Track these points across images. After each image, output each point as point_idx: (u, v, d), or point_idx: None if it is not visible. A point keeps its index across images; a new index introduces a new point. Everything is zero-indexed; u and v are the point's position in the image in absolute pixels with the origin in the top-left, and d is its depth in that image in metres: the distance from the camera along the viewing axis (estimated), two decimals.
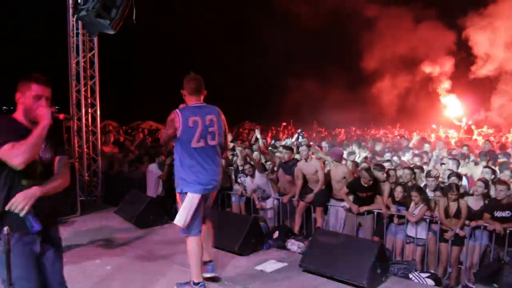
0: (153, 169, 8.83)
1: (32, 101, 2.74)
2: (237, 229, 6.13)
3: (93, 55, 9.46)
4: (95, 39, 9.40)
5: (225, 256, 5.89)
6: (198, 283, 4.44)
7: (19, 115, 2.80)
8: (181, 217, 4.32)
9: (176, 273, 5.26)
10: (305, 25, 19.77)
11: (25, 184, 2.66)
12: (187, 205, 4.32)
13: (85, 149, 9.46)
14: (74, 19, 8.88)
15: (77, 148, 9.36)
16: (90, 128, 9.59)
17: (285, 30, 20.51)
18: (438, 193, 6.46)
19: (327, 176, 7.55)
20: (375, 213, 6.80)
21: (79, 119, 9.33)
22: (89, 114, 9.55)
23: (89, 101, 9.49)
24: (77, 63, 9.23)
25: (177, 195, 4.49)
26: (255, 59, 21.15)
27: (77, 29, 9.16)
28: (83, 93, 9.31)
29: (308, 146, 7.90)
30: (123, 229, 7.30)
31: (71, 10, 8.92)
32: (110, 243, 6.52)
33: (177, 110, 4.34)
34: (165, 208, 8.04)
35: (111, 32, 8.46)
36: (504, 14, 17.68)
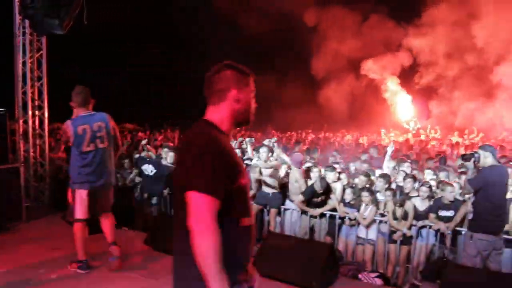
0: None
1: None
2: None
3: (41, 55, 9.12)
4: (43, 39, 9.06)
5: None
6: (82, 261, 5.31)
7: None
8: (73, 210, 5.17)
9: (124, 281, 5.13)
10: (252, 28, 19.81)
11: None
12: (78, 199, 5.09)
13: (32, 153, 9.10)
14: (21, 17, 8.55)
15: (23, 152, 8.98)
16: (37, 132, 9.23)
17: (232, 32, 20.47)
18: (388, 192, 6.63)
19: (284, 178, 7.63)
20: (328, 215, 6.90)
21: (26, 122, 8.96)
22: (36, 117, 9.18)
23: (36, 103, 9.13)
24: (24, 63, 8.87)
25: (69, 191, 5.20)
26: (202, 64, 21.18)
27: (23, 28, 8.79)
28: (29, 95, 8.94)
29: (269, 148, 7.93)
30: (70, 235, 7.02)
31: (17, 8, 8.58)
32: (56, 251, 6.25)
33: (68, 121, 5.05)
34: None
35: (60, 32, 8.20)
36: (443, 22, 18.31)
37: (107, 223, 5.37)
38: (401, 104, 19.71)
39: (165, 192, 8.33)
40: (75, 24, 8.29)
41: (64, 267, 5.46)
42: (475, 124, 16.33)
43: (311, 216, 7.02)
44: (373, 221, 6.57)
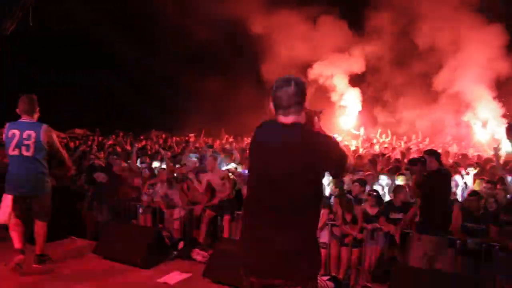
0: None
1: None
2: (140, 241, 5.92)
3: None
4: None
5: (128, 270, 5.66)
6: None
7: None
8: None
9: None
10: (201, 35, 19.70)
11: None
12: (3, 203, 5.19)
13: None
14: None
15: None
16: None
17: (181, 38, 20.31)
18: (336, 199, 6.75)
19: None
20: None
21: None
22: None
23: None
24: None
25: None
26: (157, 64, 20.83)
27: None
28: None
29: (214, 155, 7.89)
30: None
31: None
32: None
33: (8, 123, 5.19)
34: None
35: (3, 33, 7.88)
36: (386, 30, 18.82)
37: (36, 232, 5.36)
38: (350, 110, 19.95)
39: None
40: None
41: None
42: (419, 130, 16.86)
43: None
44: (325, 224, 6.65)
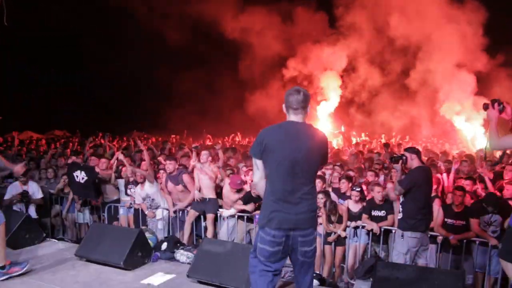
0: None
1: None
2: (122, 242, 5.84)
3: None
4: None
5: (111, 272, 5.59)
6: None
7: None
8: None
9: None
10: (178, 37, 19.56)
11: None
12: None
13: None
14: None
15: None
16: None
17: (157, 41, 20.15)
18: (320, 195, 6.77)
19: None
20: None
21: None
22: None
23: None
24: None
25: None
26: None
27: None
28: None
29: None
30: None
31: None
32: None
33: None
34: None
35: None
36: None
37: None
38: (328, 110, 19.86)
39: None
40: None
41: None
42: (395, 129, 16.98)
43: (248, 221, 7.03)
44: None
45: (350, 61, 19.02)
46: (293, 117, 3.48)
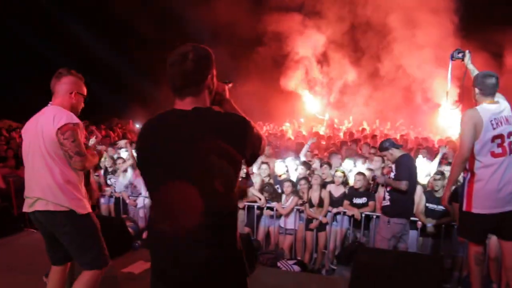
0: None
1: None
2: (102, 232, 5.77)
3: None
4: None
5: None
6: None
7: None
8: None
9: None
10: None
11: None
12: None
13: None
14: None
15: None
16: None
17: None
18: (303, 181, 6.79)
19: None
20: (246, 205, 6.91)
21: None
22: None
23: None
24: None
25: None
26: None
27: None
28: None
29: None
30: None
31: None
32: None
33: None
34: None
35: None
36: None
37: None
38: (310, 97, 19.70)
39: None
40: None
41: None
42: (369, 116, 16.98)
43: None
44: (292, 209, 6.69)
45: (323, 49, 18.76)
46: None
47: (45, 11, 19.64)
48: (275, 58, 18.73)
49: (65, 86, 3.38)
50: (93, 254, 3.38)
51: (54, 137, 3.21)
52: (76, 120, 3.29)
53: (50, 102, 3.56)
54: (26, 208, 3.40)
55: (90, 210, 3.43)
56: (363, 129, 14.53)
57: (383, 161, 7.19)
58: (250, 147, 2.11)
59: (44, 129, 3.25)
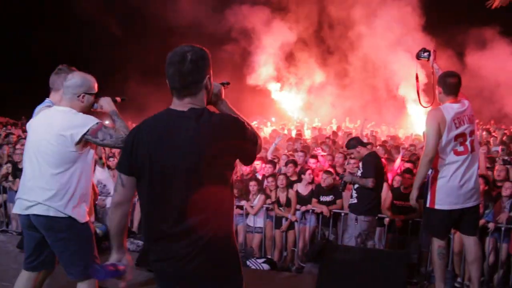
0: None
1: None
2: None
3: None
4: None
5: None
6: None
7: None
8: None
9: None
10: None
11: None
12: None
13: None
14: None
15: None
16: None
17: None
18: (270, 179, 6.80)
19: None
20: None
21: None
22: None
23: None
24: None
25: None
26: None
27: None
28: None
29: None
30: None
31: None
32: None
33: None
34: None
35: None
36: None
37: None
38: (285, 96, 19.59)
39: None
40: None
41: None
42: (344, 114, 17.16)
43: None
44: (261, 208, 6.69)
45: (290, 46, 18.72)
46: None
47: None
48: (243, 55, 18.57)
49: (71, 90, 3.19)
50: (85, 263, 3.21)
51: (71, 145, 3.08)
52: (94, 119, 3.14)
53: (49, 99, 3.43)
54: (17, 210, 3.22)
55: (88, 218, 3.30)
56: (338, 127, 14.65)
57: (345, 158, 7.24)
58: (246, 146, 2.17)
59: (60, 133, 3.08)
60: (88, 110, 3.27)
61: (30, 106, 3.69)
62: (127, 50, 19.73)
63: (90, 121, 3.10)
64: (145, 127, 2.19)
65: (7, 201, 8.31)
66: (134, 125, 2.40)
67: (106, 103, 3.30)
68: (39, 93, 3.91)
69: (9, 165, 8.15)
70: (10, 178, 8.22)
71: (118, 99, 3.43)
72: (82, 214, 3.21)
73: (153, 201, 2.14)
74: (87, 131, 3.06)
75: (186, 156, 2.05)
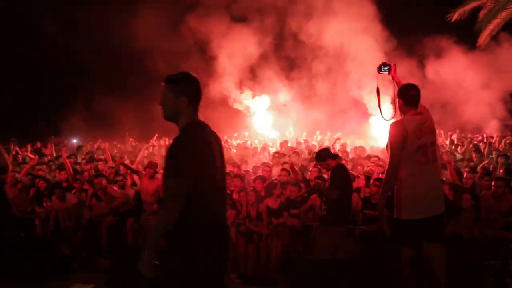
0: None
1: None
2: (35, 254, 5.53)
3: None
4: None
5: (28, 285, 5.29)
6: None
7: None
8: None
9: None
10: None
11: None
12: None
13: None
14: None
15: None
16: None
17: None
18: (242, 193, 6.82)
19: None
20: None
21: None
22: None
23: None
24: None
25: None
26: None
27: None
28: None
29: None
30: None
31: None
32: None
33: None
34: None
35: None
36: None
37: None
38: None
39: None
40: None
41: None
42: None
43: None
44: (233, 223, 6.67)
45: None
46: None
47: None
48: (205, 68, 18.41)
49: None
50: None
51: None
52: None
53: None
54: None
55: None
56: (305, 140, 14.69)
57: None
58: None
59: None
60: None
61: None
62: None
63: None
64: (204, 138, 2.77)
65: None
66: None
67: None
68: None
69: None
70: None
71: None
72: None
73: (208, 198, 2.76)
74: None
75: (222, 162, 2.94)
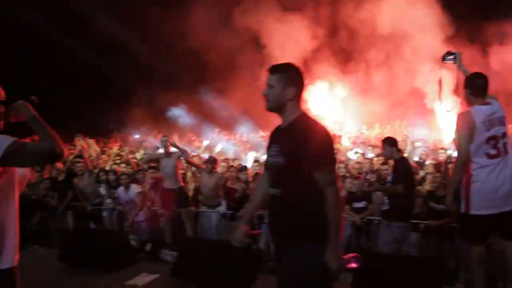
0: None
1: None
2: (105, 246, 5.81)
3: None
4: None
5: (95, 275, 5.56)
6: None
7: None
8: None
9: None
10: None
11: None
12: None
13: None
14: None
15: None
16: None
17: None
18: None
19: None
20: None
21: None
22: None
23: None
24: None
25: None
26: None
27: None
28: None
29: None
30: None
31: None
32: None
33: None
34: None
35: None
36: None
37: None
38: None
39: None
40: None
41: None
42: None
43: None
44: None
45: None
46: None
47: None
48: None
49: None
50: None
51: None
52: (9, 138, 2.40)
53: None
54: None
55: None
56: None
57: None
58: None
59: None
60: None
61: None
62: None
63: (3, 142, 2.29)
64: None
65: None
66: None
67: (21, 108, 2.44)
68: None
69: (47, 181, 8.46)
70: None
71: (34, 98, 2.54)
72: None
73: None
74: (3, 155, 2.27)
75: None
